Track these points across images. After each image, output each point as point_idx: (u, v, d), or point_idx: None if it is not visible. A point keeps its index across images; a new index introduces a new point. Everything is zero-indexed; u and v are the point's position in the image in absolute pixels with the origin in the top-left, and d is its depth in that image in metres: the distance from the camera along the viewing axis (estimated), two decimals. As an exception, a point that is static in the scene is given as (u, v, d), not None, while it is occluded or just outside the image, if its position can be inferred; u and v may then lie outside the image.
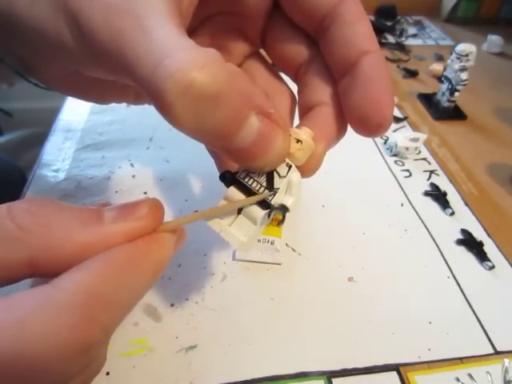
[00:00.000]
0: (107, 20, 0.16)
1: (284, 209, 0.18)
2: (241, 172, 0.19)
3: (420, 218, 0.34)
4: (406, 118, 0.46)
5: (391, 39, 0.65)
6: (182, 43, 0.15)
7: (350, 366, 0.24)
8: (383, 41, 0.64)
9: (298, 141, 0.18)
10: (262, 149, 0.17)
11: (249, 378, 0.23)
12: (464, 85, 0.45)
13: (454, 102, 0.47)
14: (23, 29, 0.19)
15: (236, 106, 0.15)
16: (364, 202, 0.35)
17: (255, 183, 0.18)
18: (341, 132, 0.21)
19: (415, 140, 0.40)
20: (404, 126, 0.46)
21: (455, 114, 0.48)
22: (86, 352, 0.15)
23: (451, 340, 0.26)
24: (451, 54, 0.45)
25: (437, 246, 0.32)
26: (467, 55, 0.44)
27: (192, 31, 0.24)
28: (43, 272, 0.16)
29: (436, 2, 0.73)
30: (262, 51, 0.25)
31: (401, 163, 0.40)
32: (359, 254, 0.31)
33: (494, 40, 0.62)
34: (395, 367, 0.24)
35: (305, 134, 0.19)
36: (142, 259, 0.17)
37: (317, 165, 0.21)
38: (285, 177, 0.18)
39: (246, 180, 0.18)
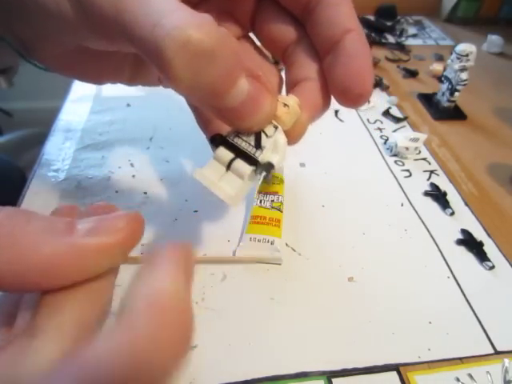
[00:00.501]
0: None
1: (269, 165, 0.20)
2: (230, 133, 0.20)
3: (420, 218, 0.34)
4: (406, 118, 0.46)
5: (391, 39, 0.65)
6: (178, 6, 0.16)
7: (349, 366, 0.24)
8: (383, 41, 0.64)
9: (285, 105, 0.20)
10: (250, 109, 0.18)
11: (249, 377, 0.23)
12: (464, 85, 0.45)
13: (453, 101, 0.47)
14: (22, 3, 0.19)
15: (229, 64, 0.16)
16: (364, 202, 0.35)
17: (244, 143, 0.19)
18: (325, 104, 0.22)
19: (415, 140, 0.40)
20: (404, 126, 0.46)
21: (455, 113, 0.48)
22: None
23: (451, 340, 0.26)
24: (451, 54, 0.45)
25: (437, 246, 0.32)
26: (467, 55, 0.44)
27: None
28: (6, 286, 0.15)
29: (436, 1, 0.73)
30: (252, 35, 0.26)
31: (401, 163, 0.40)
32: (359, 254, 0.31)
33: (494, 40, 0.62)
34: (395, 367, 0.24)
35: (292, 99, 0.20)
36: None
37: (301, 132, 0.22)
38: (271, 137, 0.20)
39: (236, 140, 0.20)
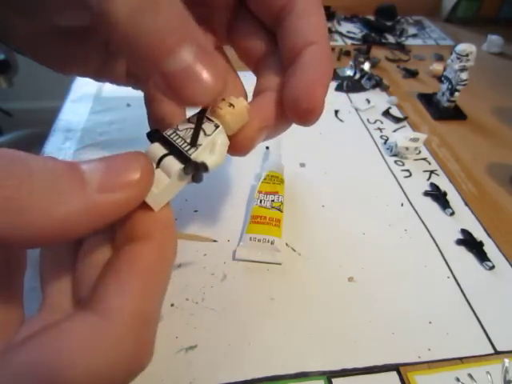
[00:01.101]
0: None
1: (202, 166, 0.18)
2: (168, 130, 0.18)
3: (420, 218, 0.34)
4: (406, 118, 0.46)
5: (391, 39, 0.65)
6: None
7: (350, 366, 0.24)
8: (383, 41, 0.64)
9: (231, 105, 0.19)
10: (192, 78, 0.17)
11: (249, 377, 0.23)
12: (464, 85, 0.45)
13: (454, 101, 0.47)
14: None
15: (175, 21, 0.16)
16: (364, 202, 0.35)
17: (180, 139, 0.18)
18: (280, 117, 0.21)
19: (415, 140, 0.40)
20: (404, 126, 0.46)
21: (455, 114, 0.48)
22: (141, 371, 0.15)
23: (451, 340, 0.26)
24: (451, 54, 0.45)
25: (437, 246, 0.32)
26: (467, 55, 0.44)
27: None
28: (16, 245, 0.14)
29: (436, 1, 0.73)
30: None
31: (401, 163, 0.40)
32: (359, 253, 0.31)
33: (494, 40, 0.62)
34: (395, 367, 0.24)
35: (240, 102, 0.19)
36: (167, 262, 0.16)
37: (249, 141, 0.20)
38: (210, 135, 0.18)
39: (172, 136, 0.18)
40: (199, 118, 0.18)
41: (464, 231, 0.33)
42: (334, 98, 0.49)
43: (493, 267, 0.31)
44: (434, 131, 0.45)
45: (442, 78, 0.47)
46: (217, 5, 0.24)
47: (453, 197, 0.37)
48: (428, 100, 0.50)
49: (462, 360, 0.25)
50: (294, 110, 0.20)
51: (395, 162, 0.40)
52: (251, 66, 0.25)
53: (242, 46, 0.25)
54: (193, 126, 0.18)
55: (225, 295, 0.27)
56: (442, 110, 0.48)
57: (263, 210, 0.31)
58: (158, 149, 0.18)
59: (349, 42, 0.63)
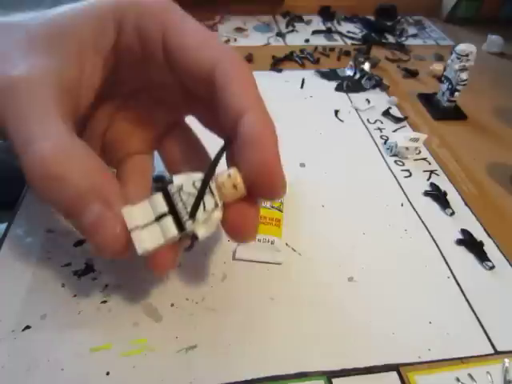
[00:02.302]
0: None
1: (194, 237, 0.20)
2: (173, 185, 0.20)
3: (420, 218, 0.34)
4: (405, 118, 0.46)
5: (391, 39, 0.65)
6: (47, 132, 0.19)
7: (350, 366, 0.24)
8: (383, 41, 0.64)
9: (234, 186, 0.20)
10: (95, 233, 0.19)
11: (249, 377, 0.23)
12: (464, 85, 0.45)
13: (454, 102, 0.47)
14: None
15: (79, 190, 0.19)
16: (364, 201, 0.35)
17: (181, 204, 0.19)
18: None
19: (415, 140, 0.40)
20: (404, 126, 0.46)
21: (455, 114, 0.48)
22: None
23: (451, 340, 0.26)
24: (451, 53, 0.45)
25: (437, 246, 0.32)
26: (467, 55, 0.44)
27: (121, 104, 0.27)
28: None
29: (436, 1, 0.73)
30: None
31: (401, 163, 0.40)
32: (359, 253, 0.31)
33: (494, 40, 0.62)
34: (395, 367, 0.24)
35: (240, 182, 0.20)
36: None
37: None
38: (208, 211, 0.19)
39: (175, 197, 0.19)
40: (202, 189, 0.19)
41: (464, 231, 0.33)
42: (334, 98, 0.49)
43: (493, 267, 0.31)
44: (434, 131, 0.45)
45: (442, 78, 0.47)
46: (166, 88, 0.25)
47: (453, 197, 0.37)
48: (428, 100, 0.50)
49: (462, 360, 0.25)
50: (260, 193, 0.21)
51: (395, 161, 0.40)
52: (216, 134, 0.26)
53: (200, 117, 0.27)
54: (195, 192, 0.19)
55: (225, 295, 0.27)
56: (442, 110, 0.48)
57: (263, 209, 0.31)
58: (161, 203, 0.19)
59: (349, 41, 0.63)
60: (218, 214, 0.20)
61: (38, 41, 0.22)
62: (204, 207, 0.19)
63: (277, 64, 0.55)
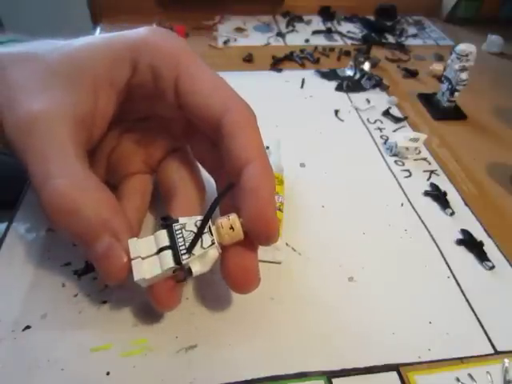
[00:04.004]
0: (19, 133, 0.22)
1: (188, 271, 0.21)
2: (179, 224, 0.22)
3: (420, 218, 0.34)
4: (406, 118, 0.46)
5: (391, 39, 0.65)
6: (64, 170, 0.21)
7: (349, 366, 0.24)
8: (383, 41, 0.64)
9: (231, 227, 0.21)
10: (106, 263, 0.21)
11: (249, 377, 0.23)
12: (464, 85, 0.45)
13: (454, 102, 0.47)
14: None
15: (92, 224, 0.21)
16: (364, 201, 0.35)
17: (181, 239, 0.21)
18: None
19: (415, 140, 0.40)
20: (404, 126, 0.46)
21: (455, 114, 0.48)
22: None
23: (451, 340, 0.26)
24: (451, 54, 0.45)
25: (437, 246, 0.32)
26: (467, 55, 0.44)
27: (129, 127, 0.29)
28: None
29: (436, 1, 0.73)
30: None
31: (401, 163, 0.40)
32: (359, 254, 0.31)
33: (494, 40, 0.62)
34: (395, 367, 0.24)
35: (237, 225, 0.21)
36: None
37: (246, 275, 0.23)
38: (204, 249, 0.21)
39: (178, 232, 0.21)
40: (201, 227, 0.21)
41: (464, 231, 0.33)
42: (334, 98, 0.49)
43: (493, 267, 0.31)
44: (434, 131, 0.45)
45: (442, 78, 0.47)
46: (169, 118, 0.28)
47: (453, 197, 0.37)
48: (428, 100, 0.50)
49: (462, 360, 0.25)
50: (256, 239, 0.22)
51: (395, 161, 0.40)
52: (206, 170, 0.29)
53: (196, 152, 0.29)
54: (195, 230, 0.21)
55: (225, 295, 0.27)
56: (442, 110, 0.48)
57: (263, 209, 0.31)
58: (163, 238, 0.21)
59: (349, 41, 0.63)
60: (214, 253, 0.21)
61: (55, 75, 0.24)
62: (201, 244, 0.21)
63: (277, 64, 0.55)
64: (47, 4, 1.21)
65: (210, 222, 0.22)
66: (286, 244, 0.31)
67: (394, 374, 0.24)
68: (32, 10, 1.23)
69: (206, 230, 0.21)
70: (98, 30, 0.61)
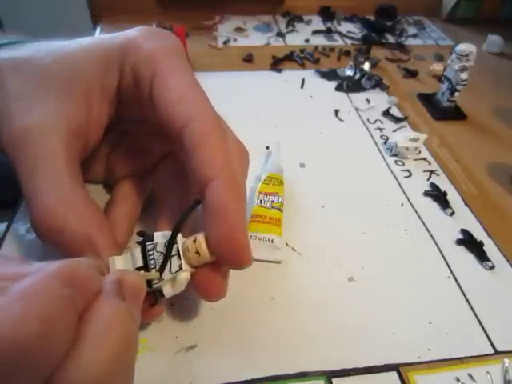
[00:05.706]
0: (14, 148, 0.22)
1: (160, 295, 0.21)
2: (151, 243, 0.21)
3: (420, 218, 0.34)
4: (405, 118, 0.46)
5: (391, 39, 0.65)
6: (51, 187, 0.21)
7: (350, 366, 0.24)
8: (383, 41, 0.64)
9: (197, 252, 0.20)
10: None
11: (249, 377, 0.23)
12: (464, 85, 0.45)
13: (454, 101, 0.47)
14: None
15: (75, 241, 0.21)
16: (364, 202, 0.35)
17: (153, 261, 0.21)
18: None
19: (415, 140, 0.40)
20: (404, 126, 0.46)
21: (455, 113, 0.48)
22: None
23: (451, 340, 0.26)
24: (451, 54, 0.45)
25: (437, 246, 0.32)
26: (467, 55, 0.44)
27: (126, 130, 0.29)
28: None
29: (436, 1, 0.73)
30: None
31: (401, 163, 0.40)
32: (359, 253, 0.31)
33: (494, 40, 0.62)
34: (395, 367, 0.24)
35: (203, 248, 0.21)
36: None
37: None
38: (172, 274, 0.20)
39: (150, 253, 0.21)
40: (167, 253, 0.21)
41: (464, 231, 0.33)
42: (334, 98, 0.49)
43: (493, 267, 0.31)
44: (434, 131, 0.45)
45: (442, 78, 0.47)
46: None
47: (453, 197, 0.37)
48: (428, 100, 0.50)
49: (462, 360, 0.25)
50: (224, 262, 0.21)
51: (395, 161, 0.40)
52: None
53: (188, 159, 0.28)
54: (165, 251, 0.21)
55: (225, 295, 0.27)
56: (442, 110, 0.48)
57: (263, 209, 0.31)
58: (138, 258, 0.21)
59: (349, 41, 0.63)
60: (185, 276, 0.21)
61: (49, 82, 0.24)
62: (170, 268, 0.20)
63: (277, 64, 0.55)
64: (47, 4, 1.22)
65: (179, 241, 0.21)
66: (286, 244, 0.31)
67: (394, 374, 0.24)
68: (32, 10, 1.23)
69: (174, 253, 0.21)
70: (98, 30, 0.61)
